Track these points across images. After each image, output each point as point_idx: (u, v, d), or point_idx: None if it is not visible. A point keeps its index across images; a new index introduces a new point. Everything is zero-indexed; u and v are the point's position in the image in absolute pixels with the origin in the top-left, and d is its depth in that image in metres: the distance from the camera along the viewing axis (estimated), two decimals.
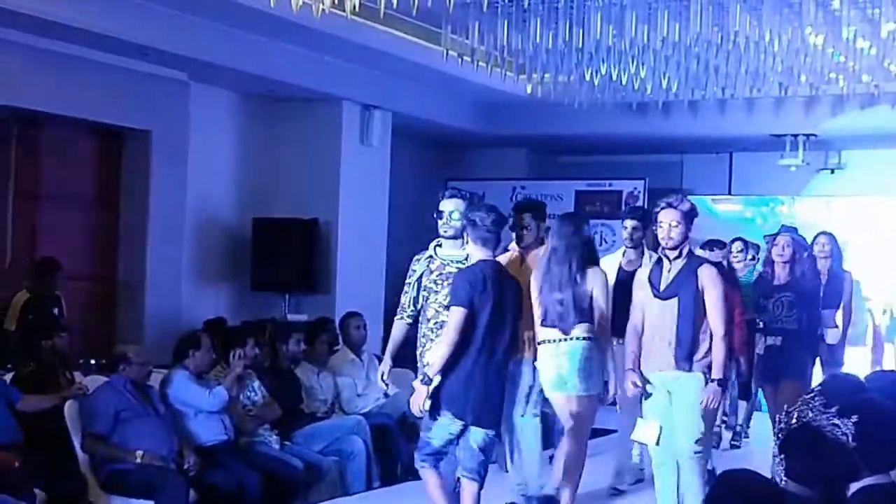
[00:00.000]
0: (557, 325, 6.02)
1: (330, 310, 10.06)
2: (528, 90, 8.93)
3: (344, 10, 6.32)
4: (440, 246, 6.02)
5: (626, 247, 7.23)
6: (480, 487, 5.65)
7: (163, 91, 9.71)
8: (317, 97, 10.78)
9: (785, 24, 7.17)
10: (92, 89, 9.09)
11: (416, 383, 5.60)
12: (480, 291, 5.45)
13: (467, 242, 5.72)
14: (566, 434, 6.18)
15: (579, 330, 6.01)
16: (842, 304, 8.02)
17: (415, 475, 6.08)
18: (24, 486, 6.04)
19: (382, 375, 6.15)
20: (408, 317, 6.10)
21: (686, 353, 5.76)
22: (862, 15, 7.16)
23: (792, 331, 7.12)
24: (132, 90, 9.40)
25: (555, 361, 6.05)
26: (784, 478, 3.16)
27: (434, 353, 5.61)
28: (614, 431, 7.54)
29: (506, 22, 7.52)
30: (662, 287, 5.86)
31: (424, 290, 5.96)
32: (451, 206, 5.93)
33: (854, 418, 3.12)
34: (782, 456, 3.19)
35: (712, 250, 7.94)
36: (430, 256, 6.02)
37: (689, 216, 5.94)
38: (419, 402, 5.54)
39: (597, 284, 6.05)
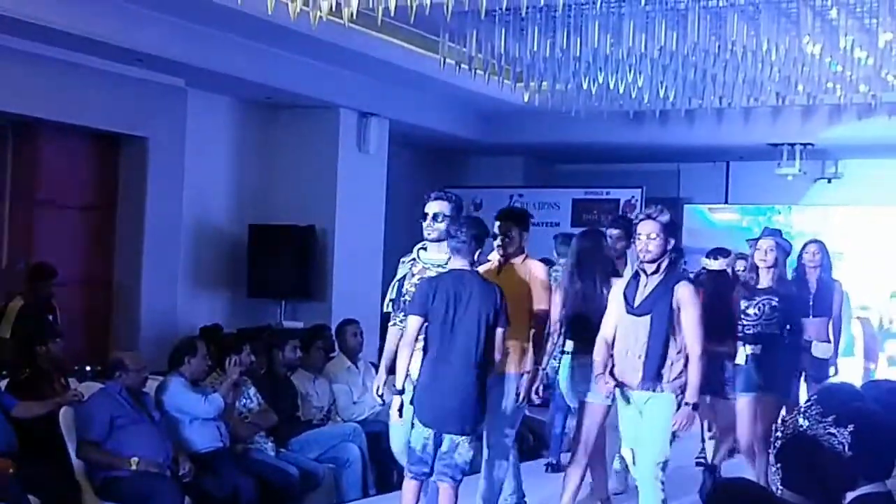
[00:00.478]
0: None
1: (326, 317, 10.06)
2: (526, 98, 8.95)
3: (341, 18, 6.32)
4: (424, 249, 5.95)
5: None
6: (455, 491, 5.60)
7: (160, 97, 9.71)
8: (314, 104, 10.78)
9: (782, 33, 7.18)
10: (89, 95, 9.09)
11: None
12: (432, 300, 5.47)
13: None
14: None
15: None
16: (832, 317, 7.85)
17: None
18: (19, 493, 6.02)
19: (378, 389, 6.05)
20: (400, 322, 5.94)
21: (654, 372, 5.56)
22: (859, 25, 7.17)
23: (773, 336, 6.83)
24: (129, 96, 9.40)
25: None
26: (780, 487, 3.16)
27: (399, 363, 5.64)
28: None
29: (503, 30, 7.53)
30: (637, 302, 5.66)
31: (406, 294, 5.89)
32: (435, 209, 5.85)
33: (850, 427, 3.12)
34: (778, 465, 3.19)
35: (716, 258, 7.72)
36: (414, 259, 5.97)
37: (669, 228, 5.68)
38: (393, 411, 5.62)
39: None
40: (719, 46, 7.47)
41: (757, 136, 12.23)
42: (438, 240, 5.83)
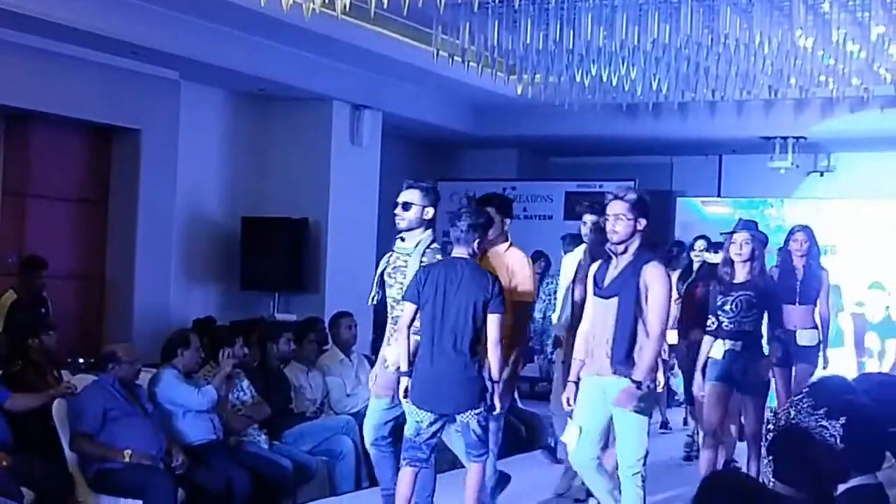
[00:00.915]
0: None
1: (319, 309, 10.06)
2: (519, 91, 8.95)
3: (334, 10, 6.32)
4: (402, 240, 5.93)
5: (587, 243, 6.84)
6: (483, 468, 5.67)
7: (153, 89, 9.70)
8: (307, 96, 10.77)
9: (775, 26, 7.19)
10: (81, 87, 9.07)
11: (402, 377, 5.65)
12: (423, 286, 5.56)
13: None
14: None
15: None
16: (818, 305, 7.67)
17: None
18: (12, 486, 6.02)
19: (372, 380, 6.07)
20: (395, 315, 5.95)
21: (623, 356, 5.33)
22: (852, 18, 7.19)
23: (751, 334, 6.55)
24: (122, 88, 9.39)
25: None
26: (772, 479, 3.17)
27: (392, 349, 5.68)
28: None
29: (496, 22, 7.54)
30: (605, 284, 5.50)
31: (386, 286, 5.93)
32: (405, 198, 5.82)
33: (842, 420, 3.12)
34: (770, 457, 3.20)
35: (716, 252, 7.65)
36: (391, 251, 6.01)
37: (637, 208, 5.42)
38: (400, 391, 5.61)
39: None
40: (712, 39, 7.49)
41: (750, 130, 12.25)
42: (409, 229, 5.82)
